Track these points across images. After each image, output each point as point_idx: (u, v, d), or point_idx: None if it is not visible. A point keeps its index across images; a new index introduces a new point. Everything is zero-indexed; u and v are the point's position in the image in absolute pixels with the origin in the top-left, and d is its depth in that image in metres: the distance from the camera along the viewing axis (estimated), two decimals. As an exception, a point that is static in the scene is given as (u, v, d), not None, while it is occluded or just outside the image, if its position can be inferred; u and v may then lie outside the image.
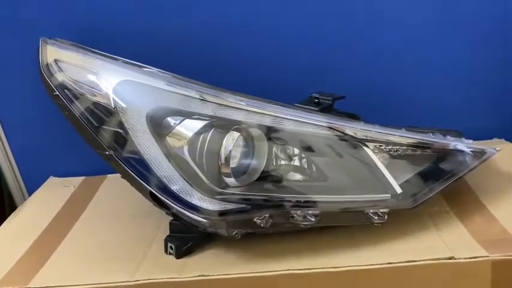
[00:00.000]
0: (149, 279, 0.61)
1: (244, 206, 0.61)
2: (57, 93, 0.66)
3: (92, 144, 0.66)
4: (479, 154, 0.68)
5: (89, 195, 0.86)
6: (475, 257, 0.57)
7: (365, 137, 0.64)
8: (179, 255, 0.66)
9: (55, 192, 0.88)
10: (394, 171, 0.66)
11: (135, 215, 0.77)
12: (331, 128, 0.63)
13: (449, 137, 0.70)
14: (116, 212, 0.80)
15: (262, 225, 0.62)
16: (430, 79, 0.89)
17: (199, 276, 0.60)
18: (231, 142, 0.61)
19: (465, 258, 0.57)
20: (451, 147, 0.67)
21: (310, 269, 0.59)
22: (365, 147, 0.64)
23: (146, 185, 0.63)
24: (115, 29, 0.87)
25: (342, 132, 0.63)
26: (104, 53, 0.68)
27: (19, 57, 0.88)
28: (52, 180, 0.93)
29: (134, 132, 0.63)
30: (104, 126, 0.64)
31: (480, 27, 0.85)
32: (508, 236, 0.61)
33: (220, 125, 0.62)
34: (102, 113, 0.64)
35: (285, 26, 0.87)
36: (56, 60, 0.68)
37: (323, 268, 0.58)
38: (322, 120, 0.63)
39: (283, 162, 0.66)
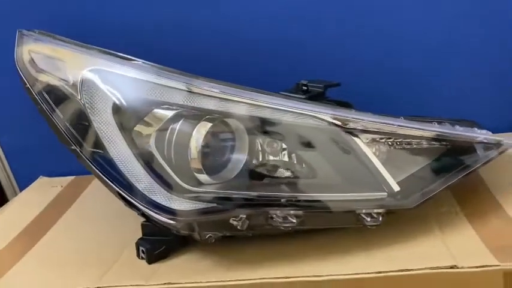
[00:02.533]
0: (110, 286, 0.55)
1: (215, 205, 0.54)
2: (28, 85, 0.63)
3: (59, 138, 0.61)
4: (494, 146, 0.59)
5: (75, 195, 0.81)
6: (482, 266, 0.48)
7: (356, 127, 0.56)
8: (151, 260, 0.60)
9: (41, 193, 0.84)
10: (395, 166, 0.57)
11: (118, 217, 0.71)
12: (315, 116, 0.56)
13: (457, 126, 0.61)
14: (98, 213, 0.74)
15: (239, 227, 0.56)
16: (441, 64, 0.80)
17: (166, 284, 0.54)
18: (202, 134, 0.55)
19: (470, 267, 0.48)
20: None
21: (288, 277, 0.51)
22: (356, 139, 0.56)
23: (111, 183, 0.58)
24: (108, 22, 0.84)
25: (327, 122, 0.56)
26: (80, 42, 0.64)
27: (5, 53, 0.85)
28: (41, 180, 0.89)
29: (99, 124, 0.57)
30: (69, 119, 0.59)
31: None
32: (524, 242, 0.52)
33: (191, 115, 0.56)
34: (68, 104, 0.59)
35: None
36: (29, 52, 0.64)
37: (303, 277, 0.51)
38: (305, 108, 0.56)
39: (268, 157, 0.59)
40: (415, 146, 0.59)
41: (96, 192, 0.82)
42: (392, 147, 0.58)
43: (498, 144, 0.59)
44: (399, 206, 0.55)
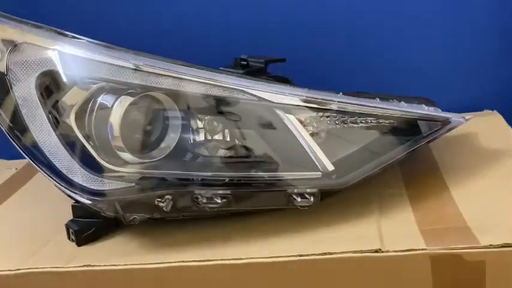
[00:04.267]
0: (29, 269, 0.52)
1: (133, 185, 0.52)
2: None
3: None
4: (440, 123, 0.55)
5: (27, 178, 0.79)
6: (408, 250, 0.45)
7: (289, 103, 0.53)
8: (79, 242, 0.57)
9: (-5, 175, 0.83)
10: (335, 145, 0.54)
11: (66, 200, 0.69)
12: (245, 92, 0.52)
13: (403, 103, 0.57)
14: (45, 196, 0.71)
15: (164, 208, 0.53)
16: (408, 42, 0.75)
17: (84, 266, 0.51)
18: (123, 109, 0.52)
19: (395, 251, 0.45)
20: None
21: (207, 260, 0.48)
22: (289, 115, 0.53)
23: (33, 163, 0.55)
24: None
25: (258, 97, 0.52)
26: (27, 20, 0.62)
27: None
28: (-2, 162, 0.89)
29: (22, 100, 0.55)
30: None
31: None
32: (459, 224, 0.47)
33: (114, 89, 0.53)
34: None
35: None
36: None
37: (222, 260, 0.48)
38: (234, 83, 0.52)
39: (207, 136, 0.56)
40: (361, 124, 0.56)
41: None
42: (336, 125, 0.55)
43: (446, 122, 0.55)
44: (333, 186, 0.52)
